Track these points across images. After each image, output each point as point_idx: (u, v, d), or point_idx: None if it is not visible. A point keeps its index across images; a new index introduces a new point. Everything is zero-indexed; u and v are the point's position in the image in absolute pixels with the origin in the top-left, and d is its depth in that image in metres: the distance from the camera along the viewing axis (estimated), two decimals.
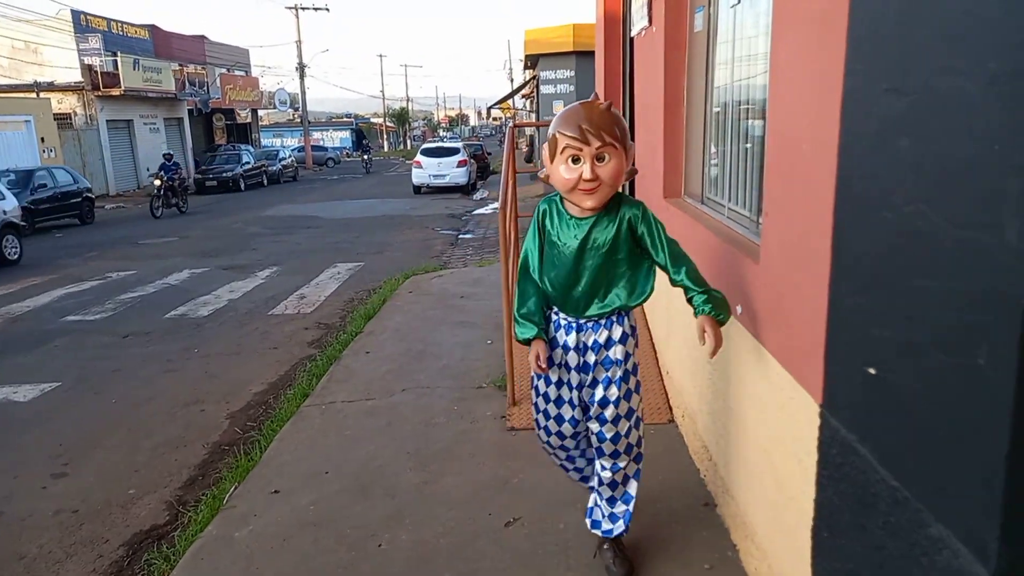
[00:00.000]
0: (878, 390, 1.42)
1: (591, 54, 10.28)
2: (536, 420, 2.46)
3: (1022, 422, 1.03)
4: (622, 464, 2.37)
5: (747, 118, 2.90)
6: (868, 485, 1.47)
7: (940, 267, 1.19)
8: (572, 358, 2.30)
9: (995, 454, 1.07)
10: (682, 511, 2.85)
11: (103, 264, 11.00)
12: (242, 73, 37.93)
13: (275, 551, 2.74)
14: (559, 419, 2.40)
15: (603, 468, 2.40)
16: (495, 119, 74.90)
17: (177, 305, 7.91)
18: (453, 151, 22.53)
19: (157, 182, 18.45)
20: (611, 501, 2.45)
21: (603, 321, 2.26)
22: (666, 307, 3.89)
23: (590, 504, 2.53)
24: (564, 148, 2.04)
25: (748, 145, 2.86)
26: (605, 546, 2.50)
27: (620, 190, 2.19)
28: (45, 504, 3.57)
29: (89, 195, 17.97)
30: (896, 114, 1.32)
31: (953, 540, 1.18)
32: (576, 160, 2.03)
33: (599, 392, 2.29)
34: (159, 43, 29.82)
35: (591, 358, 2.28)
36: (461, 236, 12.88)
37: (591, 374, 2.29)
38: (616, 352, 2.27)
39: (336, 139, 58.08)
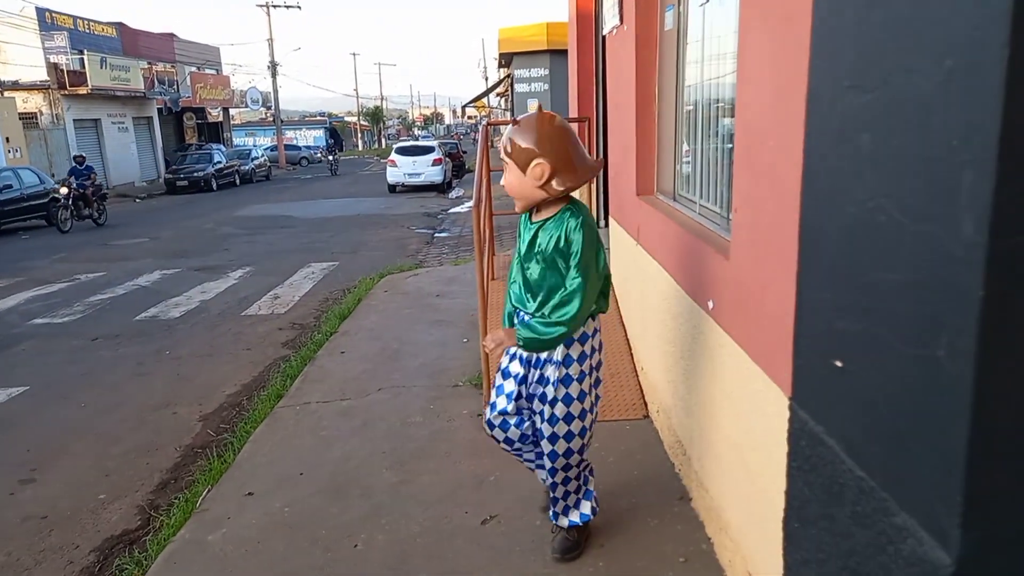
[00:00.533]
0: (843, 382, 1.44)
1: (565, 52, 10.32)
2: (494, 402, 2.53)
3: (981, 412, 1.06)
4: (560, 484, 2.48)
5: (718, 116, 2.93)
6: (836, 476, 1.49)
7: (900, 260, 1.21)
8: (523, 352, 2.40)
9: (956, 443, 1.09)
10: (657, 505, 2.87)
11: (71, 266, 10.81)
12: (213, 71, 37.45)
13: (249, 554, 2.72)
14: (518, 411, 2.48)
15: (549, 471, 2.48)
16: (470, 117, 74.79)
17: (148, 307, 7.80)
18: (428, 150, 22.43)
19: (64, 190, 16.02)
20: (554, 500, 2.57)
21: None
22: (640, 304, 3.92)
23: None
24: None
25: (719, 143, 2.89)
26: (554, 529, 2.63)
27: (572, 197, 2.31)
28: (13, 511, 3.50)
29: (56, 196, 17.61)
30: (857, 110, 1.34)
31: (917, 528, 1.20)
32: None
33: (541, 389, 2.39)
34: (127, 41, 29.34)
35: (537, 355, 2.38)
36: (436, 235, 12.85)
37: (540, 369, 2.38)
38: (556, 353, 2.33)
39: (310, 138, 57.55)
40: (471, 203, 16.39)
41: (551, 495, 2.55)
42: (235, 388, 5.09)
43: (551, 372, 2.33)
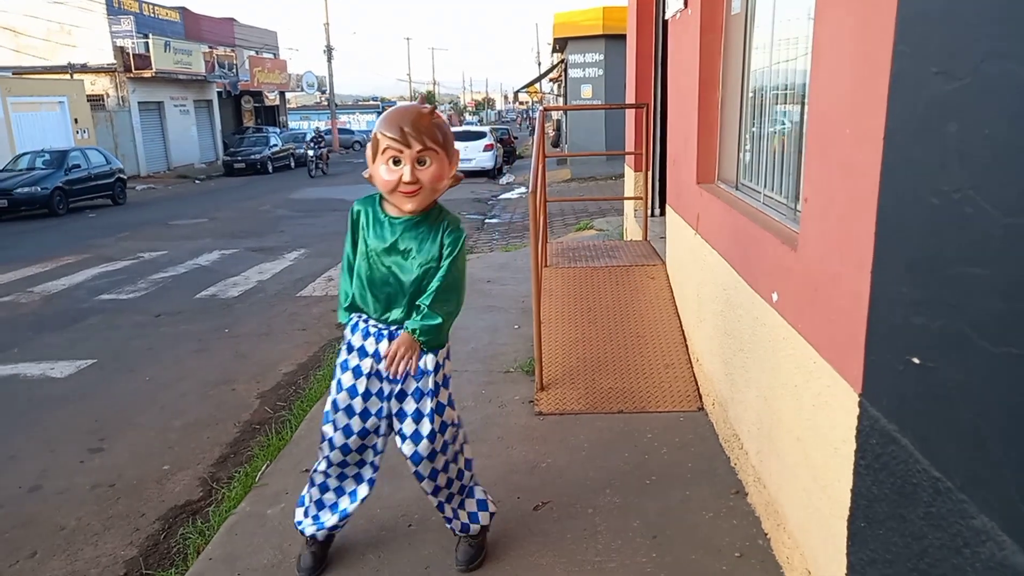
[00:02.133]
0: (921, 379, 1.40)
1: (621, 37, 10.19)
2: (331, 439, 2.32)
3: None
4: (442, 483, 2.37)
5: (784, 103, 2.85)
6: (909, 475, 1.45)
7: (987, 254, 1.16)
8: (383, 367, 2.23)
9: None
10: (712, 499, 2.84)
11: (135, 244, 11.17)
12: (270, 55, 38.12)
13: None
14: (347, 430, 2.29)
15: (427, 493, 2.41)
16: (521, 103, 74.48)
17: (207, 286, 8.02)
18: (479, 135, 22.47)
19: None
20: (456, 510, 2.47)
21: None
22: (697, 295, 3.87)
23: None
24: (385, 149, 2.04)
25: (785, 130, 2.82)
26: (459, 540, 2.53)
27: (440, 200, 2.24)
28: (83, 478, 3.65)
29: (121, 176, 18.23)
30: (945, 98, 1.29)
31: (997, 531, 1.16)
32: (397, 162, 2.04)
33: (411, 405, 2.26)
34: (189, 25, 30.07)
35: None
36: (487, 221, 12.89)
37: (402, 385, 2.25)
38: (427, 362, 2.24)
39: (363, 122, 58.23)
40: (522, 189, 16.42)
41: (446, 504, 2.47)
42: (291, 367, 5.21)
43: (427, 360, 2.24)
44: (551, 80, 36.06)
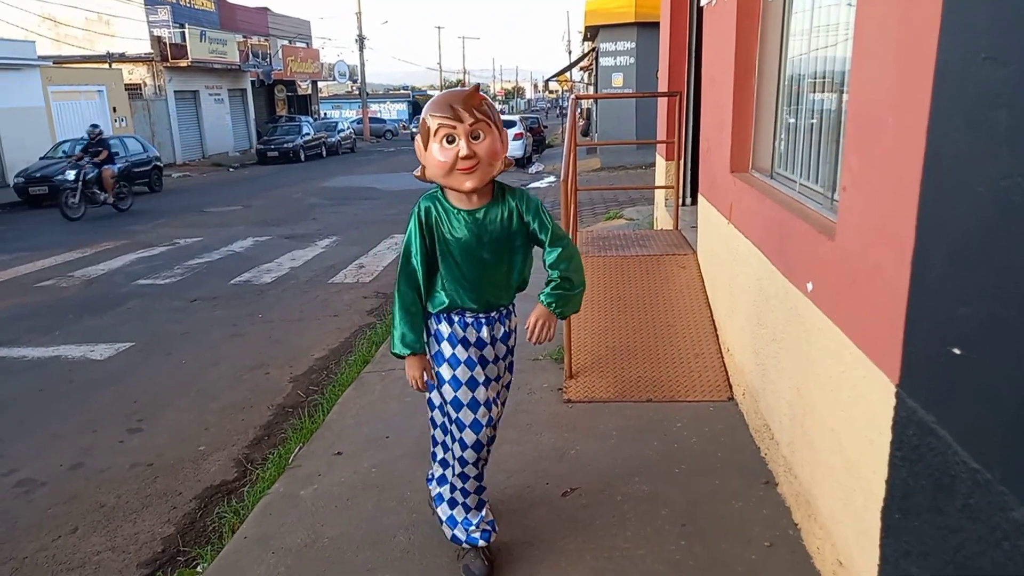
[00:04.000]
0: (962, 370, 1.38)
1: (653, 25, 10.08)
2: (462, 439, 2.24)
3: None
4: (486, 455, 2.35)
5: (822, 91, 2.81)
6: (947, 467, 1.43)
7: None
8: (489, 353, 2.24)
9: None
10: (741, 489, 2.83)
11: (171, 231, 11.38)
12: (303, 45, 38.39)
13: (339, 510, 2.83)
14: (476, 425, 2.22)
15: (476, 462, 2.29)
16: (551, 92, 74.14)
17: (242, 272, 8.14)
18: (509, 124, 22.40)
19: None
20: (480, 505, 2.39)
21: (505, 311, 2.28)
22: (729, 284, 3.84)
23: (459, 513, 2.40)
24: (437, 129, 1.98)
25: (823, 119, 2.78)
26: (472, 553, 2.40)
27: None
28: (122, 458, 3.75)
29: (158, 164, 18.54)
30: (994, 85, 1.26)
31: None
32: (451, 140, 1.98)
33: (505, 379, 2.38)
34: (224, 15, 30.39)
35: (502, 349, 2.31)
36: None
37: (500, 363, 2.32)
38: (511, 341, 2.33)
39: (393, 111, 58.51)
40: (551, 178, 16.34)
41: (474, 503, 2.37)
42: (323, 352, 5.28)
43: (510, 342, 2.33)
44: (581, 69, 35.81)
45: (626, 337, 4.25)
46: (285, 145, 26.63)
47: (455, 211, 2.13)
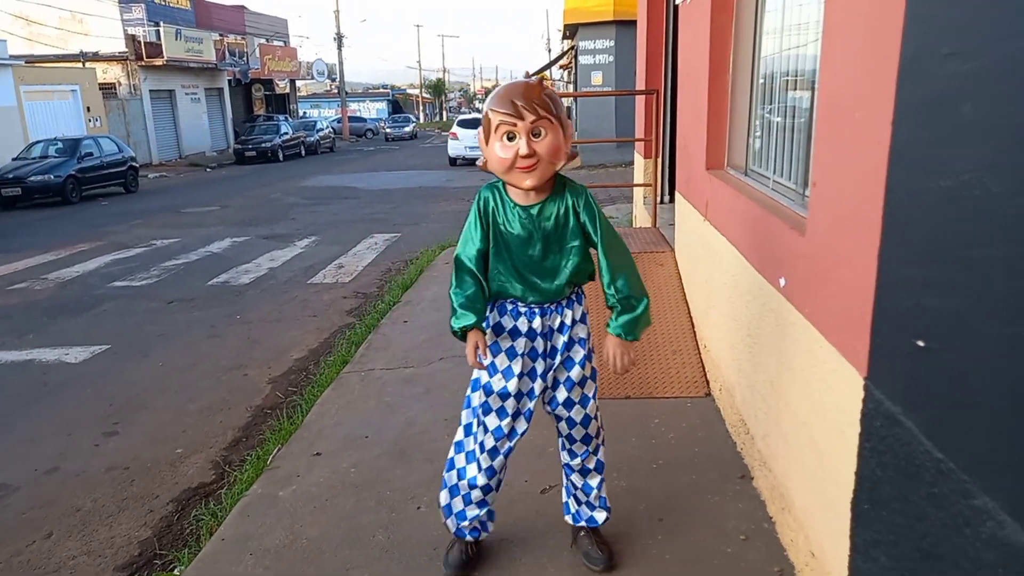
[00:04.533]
0: (926, 362, 1.40)
1: (632, 23, 10.12)
2: (485, 422, 2.26)
3: None
4: (592, 448, 2.34)
5: (795, 88, 2.84)
6: (912, 457, 1.46)
7: (999, 235, 1.17)
8: (540, 344, 2.21)
9: None
10: (718, 483, 2.86)
11: (148, 232, 11.25)
12: (281, 43, 38.12)
13: (318, 510, 2.82)
14: (502, 412, 2.24)
15: (573, 456, 2.34)
16: None
17: (219, 273, 8.07)
18: None
19: None
20: (587, 488, 2.40)
21: (564, 302, 2.21)
22: (705, 281, 3.87)
23: (565, 499, 2.48)
24: (498, 125, 1.96)
25: (795, 116, 2.81)
26: (581, 533, 2.45)
27: (563, 173, 2.13)
28: (98, 461, 3.71)
29: (134, 164, 18.34)
30: (957, 79, 1.28)
31: (998, 511, 1.17)
32: (511, 137, 1.96)
33: (566, 373, 2.24)
34: (200, 13, 30.08)
35: (560, 340, 2.21)
36: None
37: (558, 358, 2.22)
38: (579, 331, 2.23)
39: (373, 110, 58.23)
40: None
41: (580, 483, 2.39)
42: (302, 353, 5.25)
43: (579, 331, 2.23)
44: (561, 67, 35.86)
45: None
46: (263, 145, 26.44)
47: (511, 204, 2.12)
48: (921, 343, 1.42)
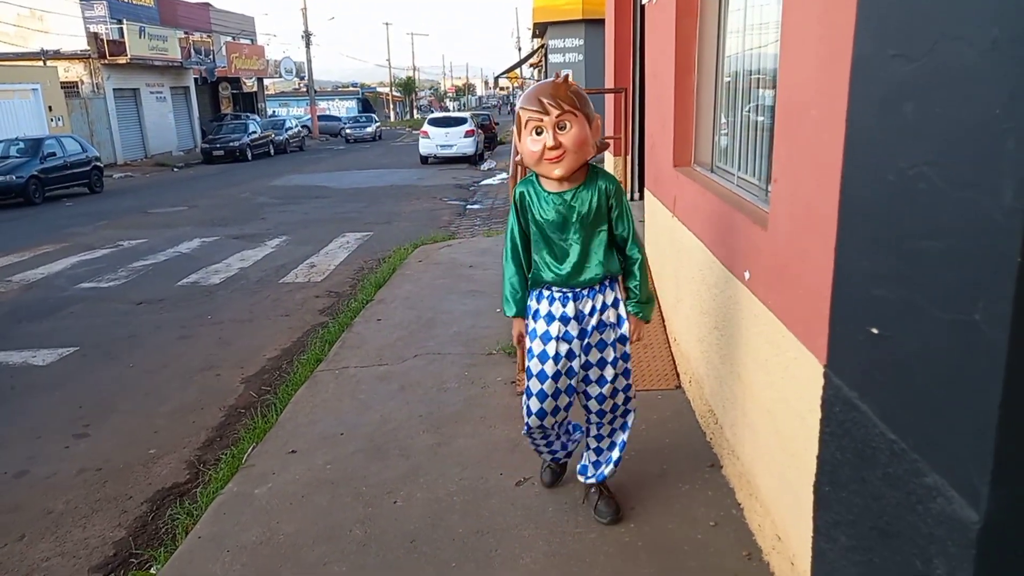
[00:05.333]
0: (879, 348, 1.48)
1: (601, 22, 10.20)
2: (528, 405, 2.50)
3: (1015, 373, 1.09)
4: (614, 423, 2.58)
5: (758, 87, 2.92)
6: (868, 440, 1.53)
7: (941, 227, 1.24)
8: (573, 327, 2.40)
9: (988, 404, 1.13)
10: (688, 472, 2.93)
11: (114, 232, 11.08)
12: (248, 41, 37.64)
13: (294, 507, 2.84)
14: (541, 395, 2.44)
15: (599, 425, 2.58)
16: (502, 88, 74.24)
17: (189, 273, 7.99)
18: (460, 121, 22.41)
19: None
20: (599, 451, 2.65)
21: (597, 287, 2.39)
22: (674, 276, 3.95)
23: (582, 461, 2.73)
24: (527, 121, 2.19)
25: (759, 114, 2.89)
26: (592, 490, 2.69)
27: (595, 163, 2.36)
28: (69, 464, 3.68)
29: (98, 164, 18.00)
30: (902, 79, 1.35)
31: (947, 487, 1.25)
32: (539, 132, 2.17)
33: (599, 355, 2.43)
34: (164, 10, 29.58)
35: (590, 323, 2.40)
36: (469, 206, 12.90)
37: (588, 339, 2.41)
38: (610, 315, 2.43)
39: (342, 108, 57.74)
40: (503, 175, 16.33)
41: (595, 446, 2.64)
42: (275, 352, 5.24)
43: (609, 314, 2.43)
44: (531, 65, 35.94)
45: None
46: (231, 144, 26.09)
47: (546, 194, 2.34)
48: (875, 330, 1.49)
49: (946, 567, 1.25)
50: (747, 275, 2.48)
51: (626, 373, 2.50)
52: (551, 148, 2.16)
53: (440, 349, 4.56)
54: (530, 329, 2.45)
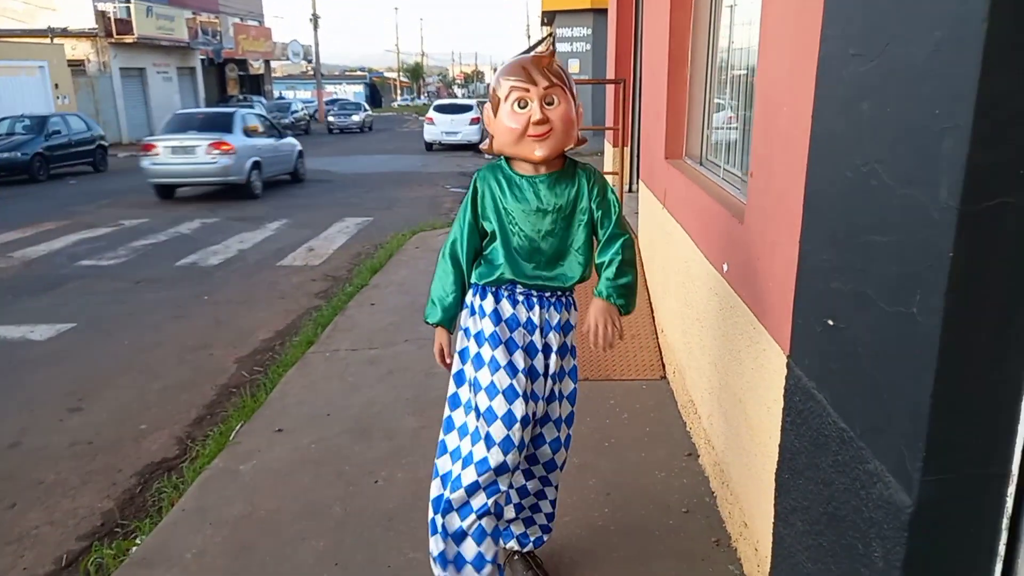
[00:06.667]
0: (833, 339, 1.52)
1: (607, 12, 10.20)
2: (461, 428, 1.99)
3: (945, 364, 1.14)
4: (558, 471, 2.19)
5: (744, 82, 2.95)
6: (822, 428, 1.58)
7: (888, 223, 1.28)
8: (537, 339, 1.99)
9: (922, 393, 1.17)
10: (665, 460, 2.98)
11: (116, 212, 11.14)
12: (255, 23, 37.60)
13: (277, 483, 2.90)
14: (508, 419, 1.89)
15: (532, 476, 2.17)
16: None
17: (188, 254, 8.05)
18: (466, 108, 22.39)
19: None
20: (535, 508, 2.25)
21: (563, 299, 2.02)
22: (663, 267, 3.99)
23: (504, 528, 2.25)
24: (509, 93, 1.83)
25: (746, 109, 2.92)
26: (516, 558, 2.30)
27: (572, 154, 2.02)
28: (61, 437, 3.74)
29: (103, 143, 18.06)
30: (860, 78, 1.39)
31: (885, 473, 1.29)
32: (523, 105, 1.83)
33: (561, 385, 2.06)
34: None
35: (554, 341, 2.00)
36: None
37: (552, 361, 2.00)
38: (572, 339, 2.08)
39: (350, 93, 57.67)
40: None
41: (530, 504, 2.23)
42: (269, 334, 5.30)
43: (573, 361, 2.09)
44: None
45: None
46: None
47: (518, 177, 1.94)
48: (831, 322, 1.54)
49: (882, 549, 1.30)
50: (725, 267, 2.53)
51: (570, 419, 2.14)
52: (537, 123, 1.80)
53: (431, 335, 4.58)
54: (489, 333, 1.94)
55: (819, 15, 1.60)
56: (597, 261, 2.01)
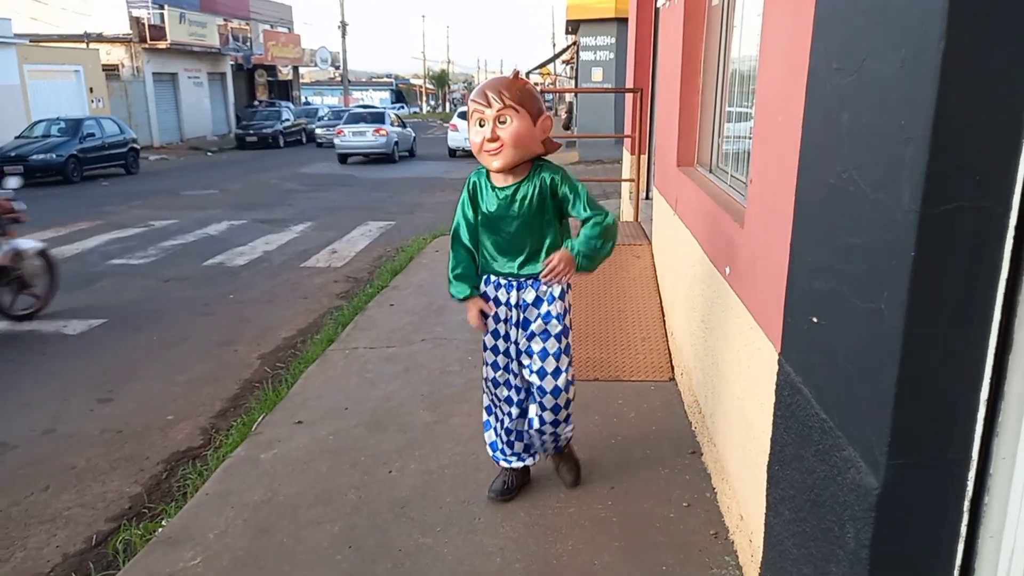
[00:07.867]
0: (816, 336, 1.61)
1: None
2: (484, 371, 2.68)
3: (908, 356, 1.23)
4: (558, 422, 2.60)
5: (751, 92, 3.04)
6: (807, 420, 1.67)
7: (862, 225, 1.37)
8: (514, 314, 2.53)
9: (887, 383, 1.26)
10: (669, 457, 3.07)
11: (147, 212, 11.44)
12: (285, 30, 38.18)
13: (296, 471, 3.03)
14: (495, 366, 2.61)
15: (543, 422, 2.58)
16: (535, 84, 74.11)
17: (215, 254, 8.27)
18: None
19: None
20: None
21: (535, 280, 2.47)
22: (673, 272, 4.08)
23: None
24: (472, 112, 2.31)
25: (750, 118, 3.00)
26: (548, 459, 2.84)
27: (546, 157, 2.45)
28: (92, 424, 3.92)
29: (135, 146, 18.48)
30: (841, 90, 1.49)
31: (857, 459, 1.38)
32: (482, 124, 2.28)
33: (537, 345, 2.51)
34: None
35: (531, 314, 2.51)
36: None
37: (530, 328, 2.51)
38: (556, 307, 2.50)
39: (376, 99, 58.25)
40: None
41: (552, 431, 2.62)
42: (291, 332, 5.45)
43: (555, 307, 2.49)
44: (564, 62, 36.01)
45: (579, 322, 4.46)
46: (264, 130, 26.54)
47: (491, 187, 2.43)
48: (814, 319, 1.63)
49: (854, 530, 1.39)
50: (727, 270, 2.61)
51: (567, 368, 2.55)
52: (489, 140, 2.26)
53: (447, 335, 4.74)
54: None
55: (808, 32, 1.70)
56: (581, 220, 2.41)
